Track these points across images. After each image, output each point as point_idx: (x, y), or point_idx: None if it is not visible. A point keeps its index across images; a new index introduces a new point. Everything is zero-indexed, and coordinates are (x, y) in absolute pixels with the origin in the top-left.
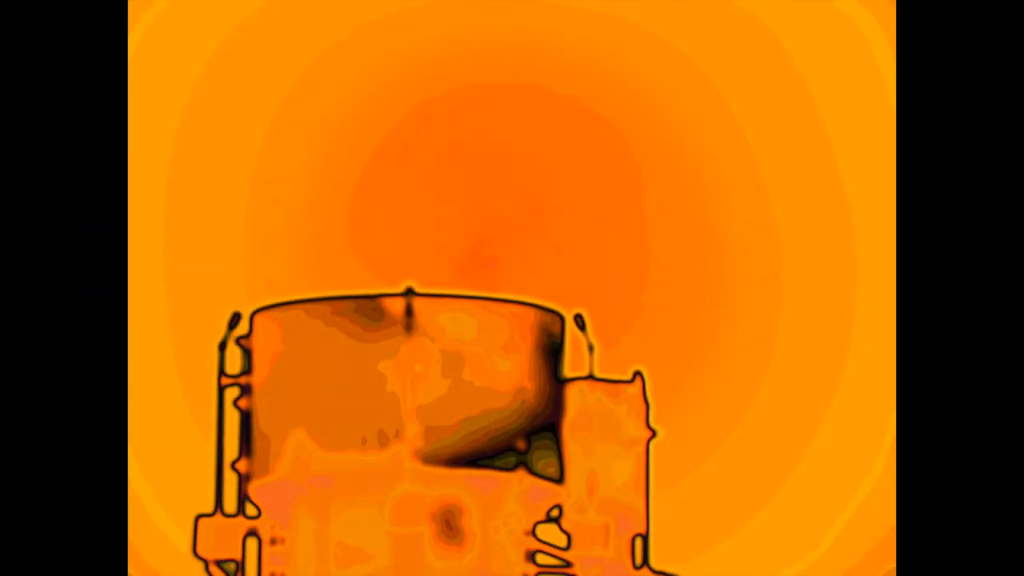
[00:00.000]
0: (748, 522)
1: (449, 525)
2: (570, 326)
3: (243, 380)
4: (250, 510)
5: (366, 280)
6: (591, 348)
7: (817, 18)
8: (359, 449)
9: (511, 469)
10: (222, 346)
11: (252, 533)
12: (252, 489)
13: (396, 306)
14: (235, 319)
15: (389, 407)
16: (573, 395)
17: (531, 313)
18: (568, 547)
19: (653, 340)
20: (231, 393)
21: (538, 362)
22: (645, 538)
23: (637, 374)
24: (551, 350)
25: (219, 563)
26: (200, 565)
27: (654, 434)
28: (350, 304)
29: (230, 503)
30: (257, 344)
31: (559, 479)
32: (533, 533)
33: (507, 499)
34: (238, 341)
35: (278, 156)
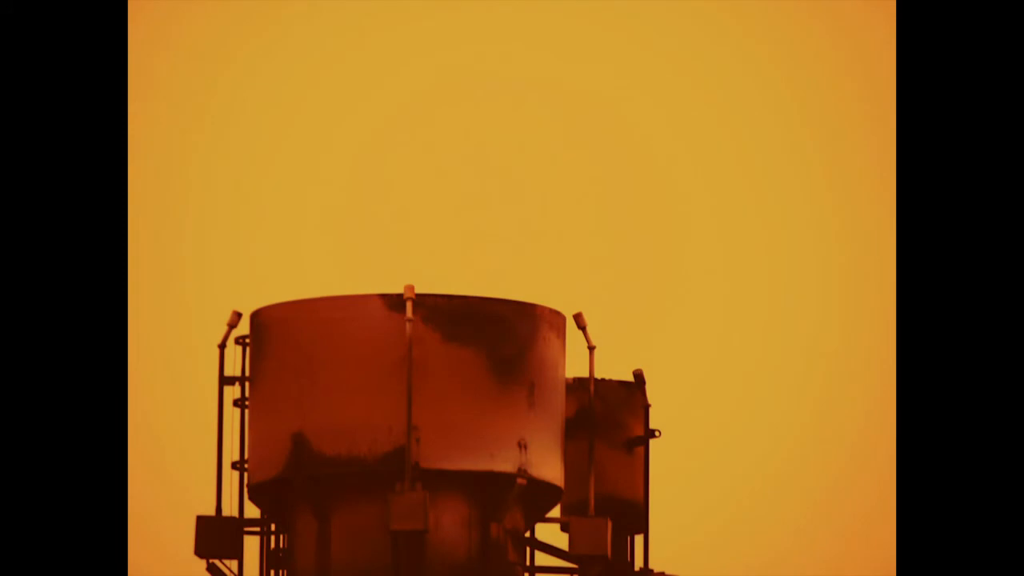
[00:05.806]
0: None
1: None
2: (570, 326)
3: (243, 380)
4: (250, 510)
5: (367, 280)
6: (591, 348)
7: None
8: (360, 449)
9: (512, 470)
10: (222, 346)
11: (252, 533)
12: (252, 489)
13: (397, 306)
14: (235, 319)
15: (390, 407)
16: (573, 395)
17: (532, 313)
18: (568, 547)
19: (653, 340)
20: (231, 393)
21: (539, 363)
22: (645, 538)
23: (637, 374)
24: (552, 351)
25: (219, 563)
26: (200, 565)
27: (654, 434)
28: (351, 304)
29: (230, 503)
30: (257, 344)
31: (559, 479)
32: (533, 533)
33: (507, 499)
34: (238, 341)
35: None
